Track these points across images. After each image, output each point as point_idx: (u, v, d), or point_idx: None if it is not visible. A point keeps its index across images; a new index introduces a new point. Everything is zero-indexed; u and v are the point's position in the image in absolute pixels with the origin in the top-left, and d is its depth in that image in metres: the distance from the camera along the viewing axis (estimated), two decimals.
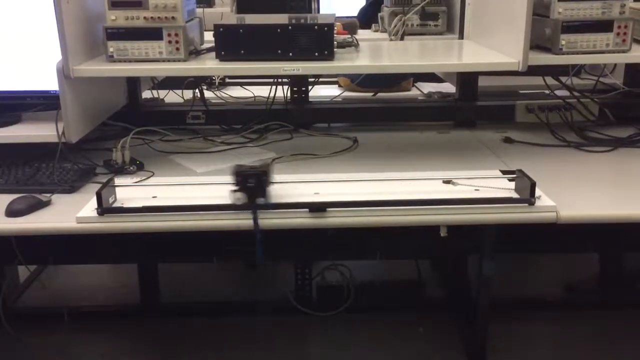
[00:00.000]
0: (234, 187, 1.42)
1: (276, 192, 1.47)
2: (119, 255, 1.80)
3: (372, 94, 2.56)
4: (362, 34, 2.23)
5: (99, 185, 1.48)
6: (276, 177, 1.48)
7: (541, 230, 1.48)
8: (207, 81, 2.39)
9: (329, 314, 2.28)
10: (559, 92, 2.18)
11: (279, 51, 1.65)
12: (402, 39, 2.11)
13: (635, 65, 2.13)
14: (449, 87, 2.45)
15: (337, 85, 2.66)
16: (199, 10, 1.94)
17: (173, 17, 1.64)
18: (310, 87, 2.23)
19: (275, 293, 2.44)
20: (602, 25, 1.69)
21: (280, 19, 1.69)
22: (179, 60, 1.66)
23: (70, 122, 1.64)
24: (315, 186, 1.54)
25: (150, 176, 1.71)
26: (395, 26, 2.11)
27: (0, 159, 1.75)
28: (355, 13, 2.75)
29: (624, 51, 1.72)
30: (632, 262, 2.50)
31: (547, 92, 2.19)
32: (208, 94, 2.30)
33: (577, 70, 2.25)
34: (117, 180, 1.56)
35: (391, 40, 2.12)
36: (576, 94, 2.18)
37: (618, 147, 1.94)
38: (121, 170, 1.74)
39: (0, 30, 1.73)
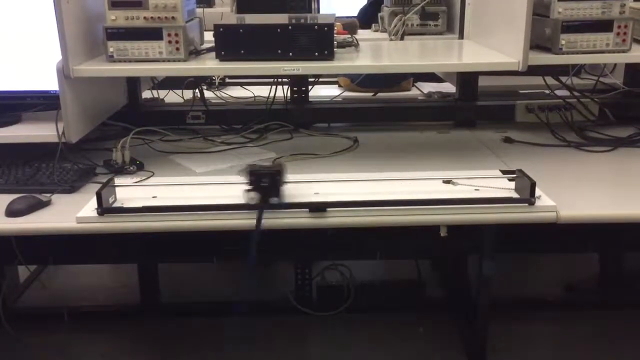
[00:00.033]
0: (248, 187, 1.42)
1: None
2: (119, 255, 1.81)
3: (372, 94, 2.56)
4: (362, 33, 2.23)
5: (99, 185, 1.48)
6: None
7: (541, 230, 1.48)
8: (207, 81, 2.39)
9: (329, 314, 2.28)
10: (559, 92, 2.18)
11: (279, 51, 1.65)
12: (402, 38, 2.11)
13: (635, 65, 2.13)
14: (449, 87, 2.45)
15: (337, 85, 2.66)
16: (199, 10, 1.94)
17: (173, 17, 1.64)
18: (310, 87, 2.23)
19: (275, 293, 2.45)
20: (602, 25, 1.69)
21: (280, 18, 1.69)
22: (179, 60, 1.66)
23: (70, 122, 1.64)
24: (315, 186, 1.54)
25: (150, 176, 1.71)
26: (395, 26, 2.11)
27: (0, 159, 1.75)
28: (355, 13, 2.75)
29: (624, 51, 1.72)
30: (632, 262, 2.50)
31: (547, 92, 2.19)
32: (208, 94, 2.30)
33: (577, 70, 2.25)
34: (117, 180, 1.56)
35: (391, 40, 2.12)
36: (576, 93, 2.18)
37: (618, 147, 1.94)
38: (121, 170, 1.74)
39: (0, 30, 1.73)
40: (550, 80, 2.16)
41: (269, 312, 2.34)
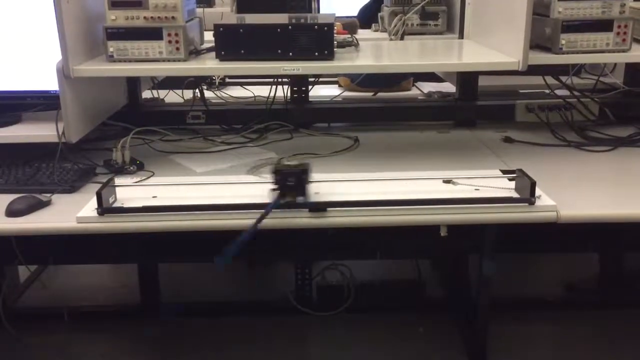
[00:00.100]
0: (274, 186, 1.41)
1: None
2: (119, 255, 1.80)
3: (372, 93, 2.56)
4: (362, 33, 2.23)
5: (99, 185, 1.48)
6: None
7: (541, 229, 1.48)
8: (207, 81, 2.39)
9: (329, 313, 2.28)
10: (559, 92, 2.18)
11: (279, 51, 1.65)
12: (402, 38, 2.11)
13: (635, 65, 2.13)
14: (449, 87, 2.46)
15: (337, 85, 2.66)
16: (199, 10, 1.94)
17: (173, 17, 1.64)
18: (310, 87, 2.23)
19: (275, 293, 2.45)
20: (602, 25, 1.69)
21: (280, 18, 1.69)
22: (179, 60, 1.66)
23: (70, 122, 1.64)
24: (315, 186, 1.54)
25: (150, 176, 1.71)
26: (395, 26, 2.11)
27: (0, 159, 1.75)
28: (355, 13, 2.75)
29: (624, 51, 1.72)
30: (632, 261, 2.50)
31: (547, 91, 2.19)
32: (208, 93, 2.30)
33: (577, 69, 2.25)
34: (117, 180, 1.56)
35: (391, 40, 2.12)
36: (576, 93, 2.18)
37: (618, 147, 1.94)
38: (121, 170, 1.74)
39: (0, 30, 1.73)
40: (550, 80, 2.16)
41: (269, 312, 2.34)
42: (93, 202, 1.44)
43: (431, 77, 2.64)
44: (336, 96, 2.49)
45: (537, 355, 2.12)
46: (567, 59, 1.76)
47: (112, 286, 2.57)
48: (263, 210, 1.39)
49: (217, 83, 2.45)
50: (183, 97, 2.26)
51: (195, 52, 1.72)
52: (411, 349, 2.14)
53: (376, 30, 2.32)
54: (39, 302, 2.43)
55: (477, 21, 2.02)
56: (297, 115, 2.17)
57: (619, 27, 1.69)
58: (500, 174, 1.61)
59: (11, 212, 1.47)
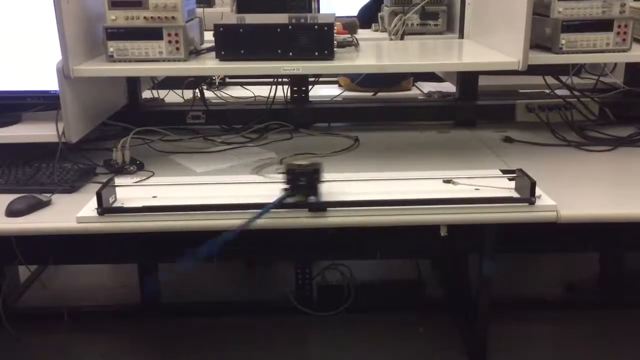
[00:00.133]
0: (285, 185, 1.42)
1: (275, 191, 1.48)
2: (119, 255, 1.80)
3: (372, 93, 2.56)
4: (362, 33, 2.23)
5: (99, 185, 1.48)
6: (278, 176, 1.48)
7: (541, 229, 1.48)
8: (207, 81, 2.39)
9: (329, 313, 2.28)
10: (559, 92, 2.18)
11: (279, 51, 1.65)
12: (402, 38, 2.11)
13: (636, 65, 2.13)
14: (449, 87, 2.45)
15: (337, 85, 2.66)
16: (199, 10, 1.94)
17: (173, 17, 1.64)
18: (310, 87, 2.23)
19: (275, 293, 2.45)
20: (602, 25, 1.69)
21: (280, 18, 1.69)
22: (179, 60, 1.66)
23: (70, 122, 1.64)
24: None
25: (150, 176, 1.71)
26: (395, 26, 2.10)
27: (0, 159, 1.75)
28: (355, 13, 2.75)
29: (624, 50, 1.72)
30: (632, 261, 2.50)
31: (547, 91, 2.19)
32: (208, 93, 2.30)
33: (577, 69, 2.24)
34: (117, 180, 1.56)
35: (391, 39, 2.12)
36: (576, 93, 2.18)
37: (618, 147, 1.94)
38: (121, 170, 1.74)
39: (0, 30, 1.73)
40: (550, 80, 2.16)
41: (269, 312, 2.34)
42: (93, 202, 1.44)
43: (431, 77, 2.64)
44: (336, 96, 2.49)
45: (537, 355, 2.12)
46: (567, 59, 1.76)
47: (112, 286, 2.57)
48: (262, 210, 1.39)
49: (217, 83, 2.45)
50: (183, 97, 2.26)
51: (195, 52, 1.72)
52: (411, 349, 2.14)
53: (376, 30, 2.32)
54: (39, 302, 2.43)
55: (477, 21, 2.02)
56: (297, 115, 2.17)
57: (619, 26, 1.69)
58: (500, 173, 1.61)
59: (11, 212, 1.47)
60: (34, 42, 1.72)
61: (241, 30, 1.65)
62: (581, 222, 1.49)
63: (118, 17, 1.64)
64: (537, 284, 2.59)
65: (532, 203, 1.44)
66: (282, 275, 2.48)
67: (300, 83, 2.19)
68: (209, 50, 1.73)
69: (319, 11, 2.02)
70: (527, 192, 1.44)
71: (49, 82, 1.67)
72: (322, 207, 1.43)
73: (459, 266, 2.32)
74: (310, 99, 2.23)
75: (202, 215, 1.43)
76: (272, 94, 2.14)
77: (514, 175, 1.54)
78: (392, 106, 2.29)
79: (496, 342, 2.02)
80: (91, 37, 1.71)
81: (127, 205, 1.46)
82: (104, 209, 1.42)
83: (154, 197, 1.52)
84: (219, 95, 2.38)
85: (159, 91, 2.29)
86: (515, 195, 1.49)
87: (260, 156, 1.90)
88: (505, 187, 1.53)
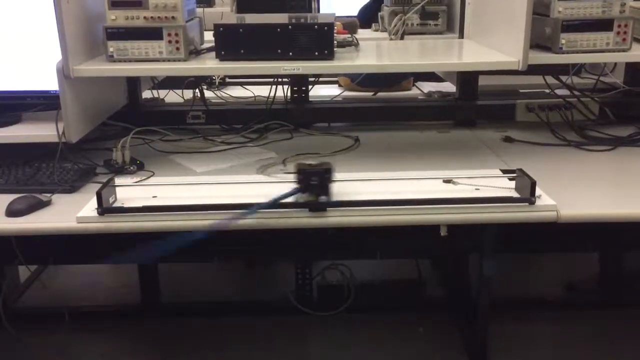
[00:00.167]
0: (296, 185, 1.42)
1: (275, 191, 1.48)
2: (119, 255, 1.80)
3: (372, 93, 2.56)
4: (362, 33, 2.22)
5: (99, 185, 1.48)
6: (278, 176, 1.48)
7: (541, 229, 1.48)
8: (207, 81, 2.39)
9: (329, 313, 2.28)
10: (559, 91, 2.18)
11: (279, 51, 1.65)
12: (402, 38, 2.11)
13: (636, 64, 2.13)
14: (449, 87, 2.45)
15: (337, 85, 2.66)
16: (199, 10, 1.94)
17: (173, 17, 1.64)
18: (310, 87, 2.22)
19: (276, 293, 2.45)
20: (602, 24, 1.69)
21: (280, 18, 1.69)
22: (179, 60, 1.66)
23: (70, 122, 1.64)
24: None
25: (151, 176, 1.71)
26: (395, 25, 2.10)
27: (0, 159, 1.75)
28: (355, 13, 2.74)
29: (624, 50, 1.72)
30: (632, 261, 2.50)
31: (547, 91, 2.19)
32: (208, 93, 2.30)
33: (577, 69, 2.24)
34: (117, 180, 1.56)
35: (391, 39, 2.12)
36: (576, 93, 2.18)
37: (618, 146, 1.94)
38: (121, 170, 1.74)
39: (0, 30, 1.73)
40: (550, 80, 2.16)
41: (269, 312, 2.34)
42: (93, 202, 1.44)
43: (431, 76, 2.63)
44: (336, 96, 2.49)
45: (537, 355, 2.12)
46: (567, 59, 1.76)
47: (112, 286, 2.57)
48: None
49: (217, 83, 2.45)
50: (183, 97, 2.26)
51: (195, 52, 1.72)
52: (411, 349, 2.14)
53: (376, 30, 2.32)
54: (39, 302, 2.43)
55: (477, 21, 2.02)
56: (297, 115, 2.17)
57: (619, 26, 1.69)
58: (500, 173, 1.61)
59: (11, 212, 1.47)
60: (34, 42, 1.72)
61: (241, 30, 1.65)
62: (581, 222, 1.49)
63: (118, 17, 1.64)
64: (537, 284, 2.59)
65: (532, 203, 1.44)
66: (282, 275, 2.48)
67: (300, 83, 2.19)
68: (209, 50, 1.73)
69: (319, 11, 2.02)
70: (527, 192, 1.44)
71: (49, 82, 1.67)
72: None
73: (459, 266, 2.32)
74: (310, 99, 2.23)
75: (202, 215, 1.43)
76: (272, 94, 2.14)
77: (514, 175, 1.54)
78: (392, 106, 2.29)
79: (496, 342, 2.02)
80: (91, 37, 1.71)
81: (127, 205, 1.46)
82: (104, 209, 1.42)
83: (154, 197, 1.52)
84: (219, 95, 2.38)
85: (159, 91, 2.29)
86: (516, 195, 1.49)
87: (260, 156, 1.90)
88: (505, 187, 1.53)
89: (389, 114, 2.25)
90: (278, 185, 1.56)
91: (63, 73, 1.59)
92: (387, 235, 1.63)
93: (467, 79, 2.20)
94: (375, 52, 1.93)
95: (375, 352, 2.14)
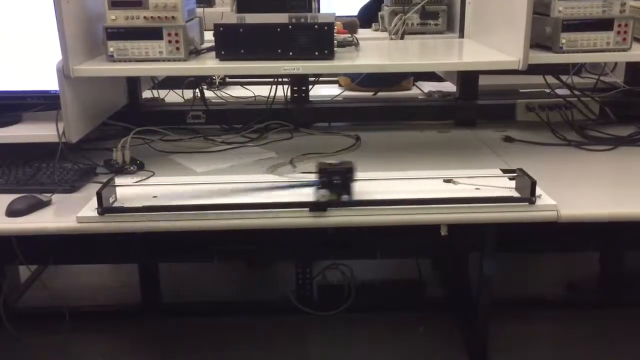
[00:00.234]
0: (318, 184, 1.43)
1: (275, 191, 1.48)
2: (119, 255, 1.80)
3: (372, 93, 2.56)
4: (362, 33, 2.22)
5: (99, 185, 1.48)
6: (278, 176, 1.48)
7: (542, 229, 1.48)
8: (207, 81, 2.39)
9: (330, 313, 2.28)
10: (559, 91, 2.18)
11: (279, 50, 1.65)
12: (402, 38, 2.11)
13: (636, 64, 2.13)
14: (449, 86, 2.45)
15: (337, 85, 2.66)
16: (199, 10, 1.94)
17: (173, 17, 1.64)
18: (310, 87, 2.22)
19: (276, 293, 2.44)
20: (603, 24, 1.69)
21: (281, 18, 1.69)
22: (179, 60, 1.66)
23: (70, 122, 1.63)
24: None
25: (151, 176, 1.71)
26: (395, 25, 2.10)
27: (1, 159, 1.75)
28: (355, 12, 2.74)
29: (624, 50, 1.72)
30: (633, 261, 2.50)
31: (547, 90, 2.19)
32: (208, 93, 2.30)
33: (577, 68, 2.24)
34: (118, 180, 1.56)
35: (391, 39, 2.12)
36: (577, 92, 2.17)
37: (619, 146, 1.94)
38: (121, 170, 1.73)
39: (0, 30, 1.73)
40: (550, 79, 2.16)
41: (269, 312, 2.34)
42: (93, 202, 1.44)
43: (431, 76, 2.63)
44: (336, 96, 2.49)
45: (537, 354, 2.12)
46: (568, 58, 1.76)
47: (113, 286, 2.57)
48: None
49: (217, 83, 2.45)
50: (183, 97, 2.26)
51: (195, 52, 1.72)
52: (411, 348, 2.14)
53: (376, 30, 2.32)
54: (40, 302, 2.42)
55: (477, 20, 2.02)
56: (298, 114, 2.17)
57: (620, 26, 1.69)
58: (500, 173, 1.61)
59: (11, 212, 1.47)
60: (34, 42, 1.72)
61: (241, 30, 1.65)
62: (581, 221, 1.49)
63: (118, 17, 1.63)
64: (537, 284, 2.59)
65: (532, 202, 1.44)
66: (282, 275, 2.48)
67: (300, 83, 2.18)
68: (209, 50, 1.73)
69: (319, 11, 2.02)
70: (528, 191, 1.44)
71: (49, 82, 1.67)
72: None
73: (460, 266, 2.32)
74: (310, 99, 2.23)
75: (202, 215, 1.43)
76: (272, 94, 2.14)
77: (515, 174, 1.54)
78: (393, 106, 2.29)
79: (496, 342, 2.01)
80: (91, 37, 1.71)
81: (127, 205, 1.46)
82: (104, 209, 1.42)
83: (154, 197, 1.52)
84: (219, 95, 2.38)
85: (159, 91, 2.29)
86: (516, 194, 1.49)
87: (261, 156, 1.90)
88: (505, 186, 1.53)
89: (389, 114, 2.24)
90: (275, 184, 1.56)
91: (63, 73, 1.59)
92: (388, 234, 1.63)
93: (467, 78, 2.20)
94: (375, 52, 1.93)
95: (376, 351, 2.14)
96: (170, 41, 1.64)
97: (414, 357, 2.12)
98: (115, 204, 1.47)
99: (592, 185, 1.65)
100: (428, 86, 2.60)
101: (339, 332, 2.24)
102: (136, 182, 1.63)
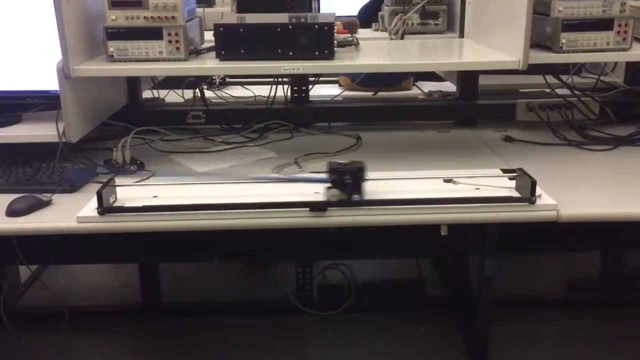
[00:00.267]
0: (329, 184, 1.43)
1: (275, 191, 1.48)
2: (119, 255, 1.80)
3: (372, 93, 2.56)
4: (362, 33, 2.22)
5: (99, 185, 1.48)
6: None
7: (542, 229, 1.47)
8: (207, 81, 2.39)
9: (330, 313, 2.28)
10: (559, 91, 2.18)
11: (279, 50, 1.65)
12: (402, 38, 2.11)
13: (636, 64, 2.13)
14: (449, 86, 2.45)
15: (337, 85, 2.66)
16: (199, 10, 1.94)
17: (173, 17, 1.64)
18: (310, 87, 2.22)
19: (276, 293, 2.44)
20: (603, 24, 1.69)
21: (281, 18, 1.69)
22: (179, 60, 1.66)
23: (70, 122, 1.64)
24: (315, 185, 1.54)
25: (151, 176, 1.71)
26: (395, 25, 2.10)
27: (1, 159, 1.75)
28: (355, 12, 2.74)
29: (624, 49, 1.72)
30: (633, 261, 2.50)
31: (547, 90, 2.19)
32: (208, 93, 2.30)
33: (577, 68, 2.24)
34: (118, 180, 1.56)
35: (391, 39, 2.12)
36: (577, 92, 2.17)
37: (619, 146, 1.94)
38: (122, 170, 1.73)
39: (0, 30, 1.73)
40: (550, 79, 2.16)
41: (269, 312, 2.34)
42: (93, 202, 1.44)
43: (431, 76, 2.63)
44: (336, 96, 2.49)
45: (537, 354, 2.12)
46: (568, 58, 1.76)
47: (113, 286, 2.57)
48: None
49: (217, 83, 2.45)
50: (183, 97, 2.26)
51: (195, 52, 1.72)
52: (411, 348, 2.14)
53: (376, 30, 2.32)
54: (40, 302, 2.42)
55: (477, 20, 2.02)
56: (298, 114, 2.17)
57: (620, 25, 1.69)
58: (500, 173, 1.61)
59: (12, 212, 1.47)
60: (34, 42, 1.72)
61: (241, 30, 1.65)
62: (582, 221, 1.49)
63: (118, 17, 1.63)
64: (537, 284, 2.59)
65: (532, 202, 1.44)
66: (283, 275, 2.48)
67: (300, 83, 2.19)
68: (209, 50, 1.73)
69: (319, 11, 2.02)
70: (528, 191, 1.44)
71: (49, 82, 1.67)
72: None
73: (460, 266, 2.32)
74: (310, 99, 2.23)
75: (202, 215, 1.43)
76: (272, 94, 2.14)
77: (515, 174, 1.54)
78: (393, 106, 2.29)
79: (497, 342, 2.01)
80: (91, 37, 1.71)
81: (127, 205, 1.46)
82: (105, 209, 1.42)
83: (154, 196, 1.51)
84: (219, 95, 2.38)
85: (159, 91, 2.29)
86: (516, 194, 1.49)
87: (261, 156, 1.90)
88: (505, 186, 1.53)
89: (389, 114, 2.24)
90: (278, 185, 1.56)
91: (63, 73, 1.59)
92: (388, 234, 1.63)
93: (467, 78, 2.20)
94: (375, 52, 1.93)
95: (376, 351, 2.14)
96: (170, 41, 1.64)
97: (414, 357, 2.12)
98: (116, 204, 1.47)
99: (592, 185, 1.65)
100: (428, 86, 2.60)
101: (339, 332, 2.24)
102: (136, 182, 1.63)
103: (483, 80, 2.21)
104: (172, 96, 2.30)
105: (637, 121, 2.10)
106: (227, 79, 2.54)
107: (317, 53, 1.65)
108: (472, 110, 2.21)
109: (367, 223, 1.46)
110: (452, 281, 2.41)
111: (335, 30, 1.68)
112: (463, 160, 1.84)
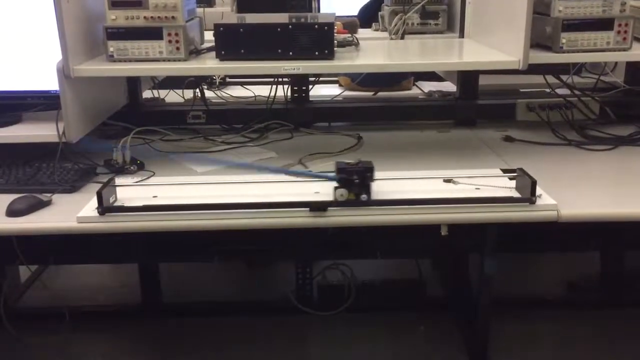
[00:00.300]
0: (337, 183, 1.43)
1: (276, 191, 1.48)
2: (119, 255, 1.80)
3: (372, 93, 2.56)
4: (362, 33, 2.22)
5: (99, 185, 1.48)
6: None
7: (542, 228, 1.47)
8: (207, 81, 2.39)
9: (330, 313, 2.28)
10: (559, 91, 2.18)
11: (279, 50, 1.65)
12: (402, 37, 2.11)
13: (636, 64, 2.13)
14: (449, 86, 2.45)
15: (337, 85, 2.66)
16: (199, 10, 1.94)
17: (173, 17, 1.64)
18: (310, 87, 2.22)
19: (276, 293, 2.44)
20: (603, 24, 1.69)
21: (281, 18, 1.69)
22: (179, 60, 1.66)
23: (70, 122, 1.64)
24: (315, 185, 1.54)
25: (151, 176, 1.71)
26: (395, 25, 2.10)
27: (1, 159, 1.75)
28: (355, 12, 2.74)
29: (624, 49, 1.72)
30: (633, 261, 2.50)
31: (547, 90, 2.19)
32: (208, 93, 2.30)
33: (577, 68, 2.24)
34: (118, 180, 1.56)
35: (391, 39, 2.12)
36: (577, 92, 2.17)
37: (619, 146, 1.94)
38: (122, 170, 1.73)
39: (0, 30, 1.73)
40: (551, 79, 2.16)
41: (269, 312, 2.34)
42: (93, 202, 1.44)
43: (432, 76, 2.63)
44: (336, 96, 2.49)
45: (537, 354, 2.12)
46: (568, 58, 1.76)
47: (113, 286, 2.57)
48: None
49: (217, 83, 2.45)
50: (183, 97, 2.26)
51: (195, 52, 1.72)
52: (412, 348, 2.14)
53: (376, 30, 2.32)
54: (40, 302, 2.42)
55: (477, 20, 2.02)
56: (298, 114, 2.17)
57: (620, 25, 1.69)
58: (500, 173, 1.61)
59: (12, 212, 1.47)
60: (34, 42, 1.72)
61: (241, 29, 1.65)
62: (582, 221, 1.49)
63: (118, 17, 1.63)
64: (537, 283, 2.59)
65: (532, 202, 1.44)
66: (282, 275, 2.47)
67: (300, 83, 2.19)
68: (209, 50, 1.73)
69: (319, 11, 2.02)
70: (528, 191, 1.44)
71: (49, 82, 1.67)
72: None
73: (460, 266, 2.32)
74: (310, 99, 2.23)
75: (202, 215, 1.43)
76: (272, 94, 2.14)
77: (515, 174, 1.54)
78: (393, 106, 2.29)
79: (497, 342, 2.01)
80: (91, 37, 1.71)
81: (127, 205, 1.46)
82: (105, 209, 1.42)
83: (154, 196, 1.51)
84: (219, 95, 2.38)
85: (160, 91, 2.29)
86: (516, 194, 1.49)
87: (261, 156, 1.90)
88: (505, 186, 1.53)
89: (389, 114, 2.24)
90: (278, 184, 1.56)
91: (63, 73, 1.59)
92: (388, 234, 1.63)
93: (467, 78, 2.20)
94: (375, 52, 1.93)
95: (376, 351, 2.14)
96: (170, 41, 1.64)
97: (414, 357, 2.12)
98: (116, 204, 1.47)
99: (592, 185, 1.65)
100: (428, 86, 2.60)
101: (339, 332, 2.24)
102: (136, 182, 1.63)
103: (483, 80, 2.21)
104: (172, 96, 2.30)
105: (637, 121, 2.10)
106: (227, 79, 2.54)
107: (317, 53, 1.65)
108: (472, 110, 2.21)
109: (367, 223, 1.47)
110: (452, 281, 2.41)
111: (335, 30, 1.68)
112: (463, 160, 1.84)
